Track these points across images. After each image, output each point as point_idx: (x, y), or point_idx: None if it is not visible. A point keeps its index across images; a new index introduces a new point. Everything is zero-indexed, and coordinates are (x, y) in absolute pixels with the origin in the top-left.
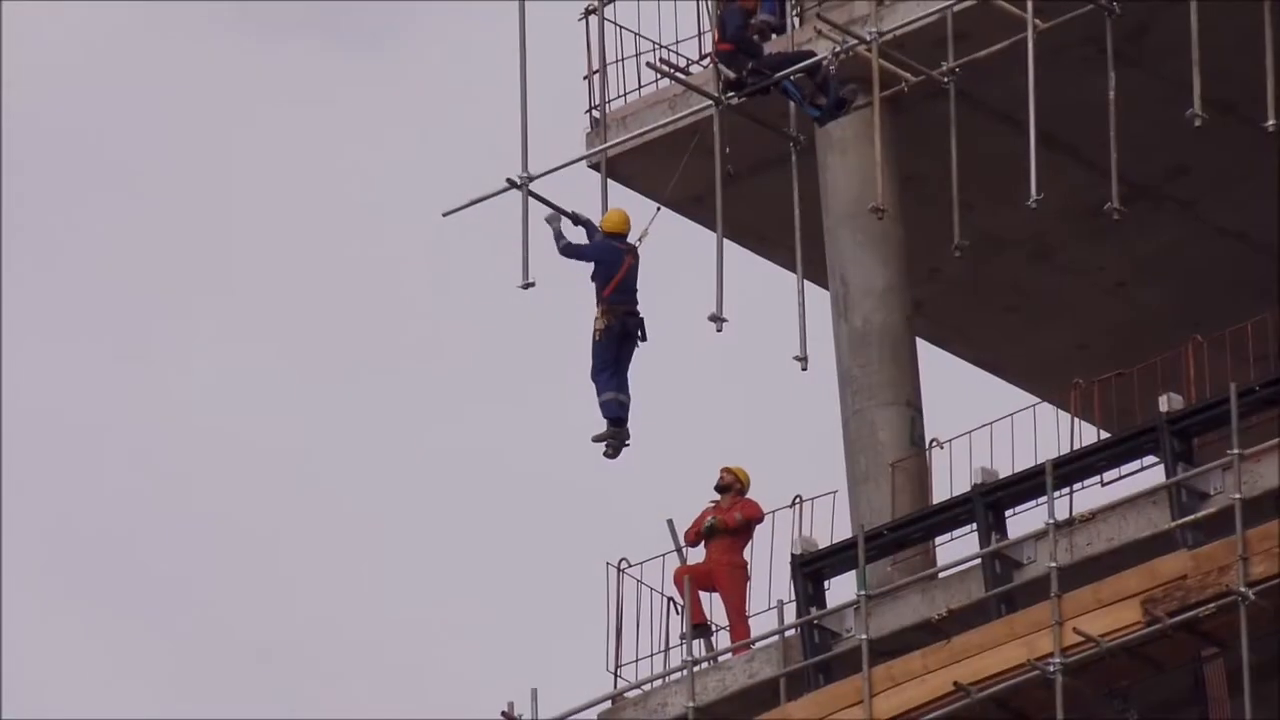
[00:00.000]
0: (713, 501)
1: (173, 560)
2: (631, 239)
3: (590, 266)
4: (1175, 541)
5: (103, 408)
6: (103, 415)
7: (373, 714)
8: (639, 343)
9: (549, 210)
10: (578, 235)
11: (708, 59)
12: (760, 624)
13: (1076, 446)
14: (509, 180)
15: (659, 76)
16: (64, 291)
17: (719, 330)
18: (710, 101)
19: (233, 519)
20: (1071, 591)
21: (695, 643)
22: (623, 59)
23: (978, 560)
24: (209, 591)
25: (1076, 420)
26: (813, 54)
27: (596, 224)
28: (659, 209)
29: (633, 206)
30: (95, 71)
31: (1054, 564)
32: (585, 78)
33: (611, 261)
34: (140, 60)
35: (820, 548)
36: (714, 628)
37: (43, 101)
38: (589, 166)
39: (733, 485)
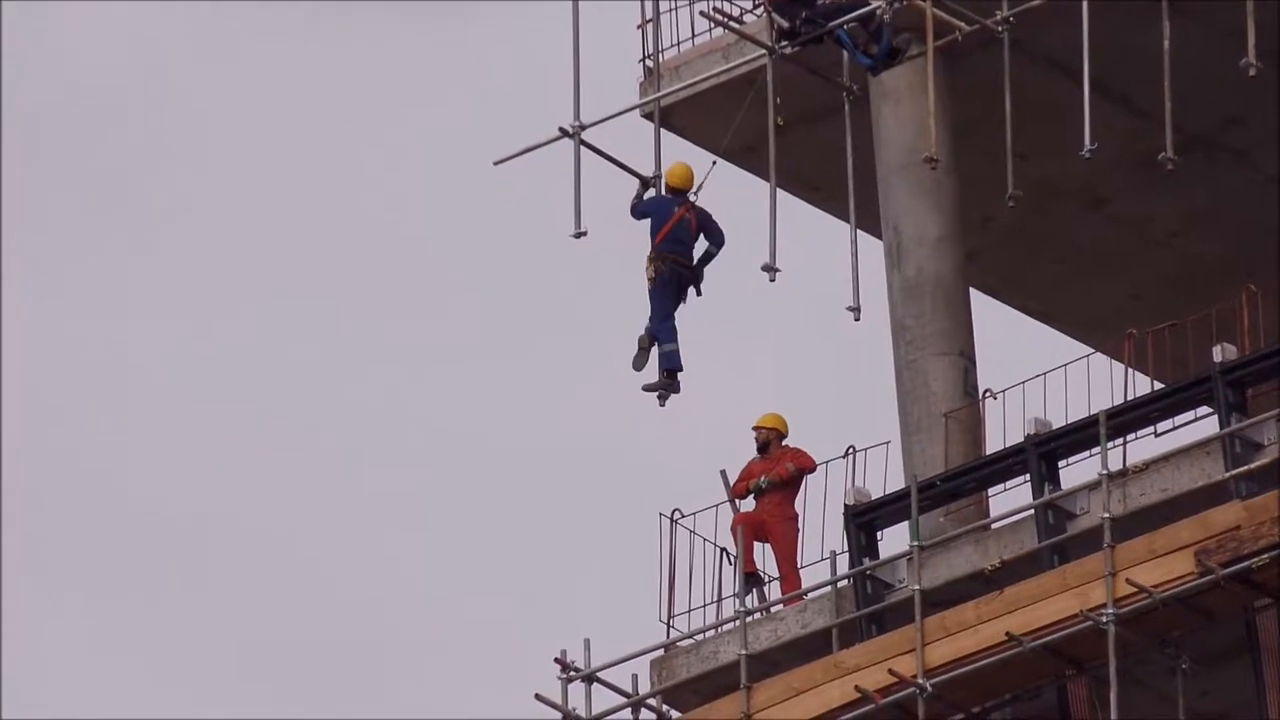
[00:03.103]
0: (759, 455)
1: (182, 558)
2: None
3: (649, 224)
4: (1228, 492)
5: (122, 400)
6: (114, 411)
7: (427, 673)
8: (695, 297)
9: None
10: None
11: (761, 8)
12: (812, 575)
13: (1130, 397)
14: (561, 129)
15: (712, 25)
16: (74, 280)
17: (772, 280)
18: (764, 51)
19: (284, 482)
20: (1124, 542)
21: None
22: (676, 8)
23: (1031, 511)
24: (232, 586)
25: (1130, 370)
26: (866, 3)
27: (646, 178)
28: (715, 162)
29: (686, 156)
30: (136, 29)
31: (1107, 515)
32: (639, 26)
33: (662, 213)
34: (197, 21)
35: (873, 498)
36: (765, 577)
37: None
38: (642, 116)
39: (771, 438)
